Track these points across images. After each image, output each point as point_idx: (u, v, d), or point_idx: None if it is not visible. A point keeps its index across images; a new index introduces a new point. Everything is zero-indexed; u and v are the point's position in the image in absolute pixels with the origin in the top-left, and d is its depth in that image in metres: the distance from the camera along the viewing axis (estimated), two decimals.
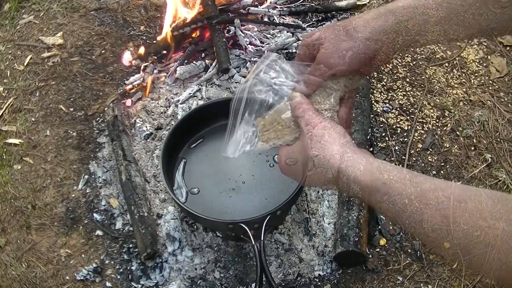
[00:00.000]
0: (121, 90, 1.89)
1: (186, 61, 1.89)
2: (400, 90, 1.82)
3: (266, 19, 2.01)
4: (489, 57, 1.90)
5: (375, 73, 1.83)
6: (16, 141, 1.79)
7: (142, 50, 1.91)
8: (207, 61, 1.87)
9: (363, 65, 0.77)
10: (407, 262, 1.41)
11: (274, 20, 2.01)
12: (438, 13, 0.70)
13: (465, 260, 0.57)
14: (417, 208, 0.59)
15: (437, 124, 1.71)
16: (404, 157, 1.62)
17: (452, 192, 0.58)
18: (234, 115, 0.91)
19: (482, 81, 1.83)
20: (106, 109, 1.81)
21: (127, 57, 1.95)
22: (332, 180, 0.70)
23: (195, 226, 1.48)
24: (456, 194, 0.58)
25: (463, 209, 0.56)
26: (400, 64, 1.90)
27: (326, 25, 0.79)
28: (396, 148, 1.65)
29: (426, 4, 0.71)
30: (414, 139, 1.68)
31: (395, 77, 1.86)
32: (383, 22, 0.72)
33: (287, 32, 1.95)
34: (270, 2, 2.09)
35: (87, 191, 1.64)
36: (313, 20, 2.10)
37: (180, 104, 1.77)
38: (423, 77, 1.85)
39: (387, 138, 1.68)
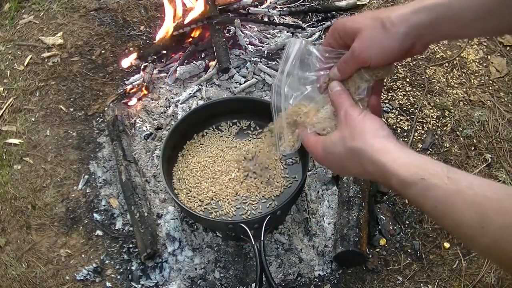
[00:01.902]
0: (121, 90, 1.90)
1: (186, 61, 1.89)
2: (400, 90, 1.82)
3: (266, 19, 2.01)
4: (489, 57, 1.90)
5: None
6: (16, 141, 1.79)
7: (141, 53, 1.92)
8: (207, 61, 1.87)
9: (398, 57, 0.77)
10: (407, 262, 1.41)
11: (274, 20, 2.01)
12: (475, 9, 0.70)
13: (497, 258, 0.58)
14: (453, 204, 0.60)
15: (437, 124, 1.71)
16: None
17: (488, 189, 0.59)
18: (277, 111, 0.91)
19: (482, 81, 1.83)
20: (106, 109, 1.81)
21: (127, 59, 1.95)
22: (370, 171, 0.70)
23: (195, 226, 1.48)
24: (492, 192, 0.58)
25: (497, 206, 0.57)
26: (400, 64, 1.90)
27: (361, 14, 0.78)
28: None
29: (462, 1, 0.71)
30: (414, 139, 1.68)
31: (395, 77, 1.86)
32: (421, 17, 0.72)
33: (287, 32, 1.95)
34: (270, 2, 2.09)
35: (87, 191, 1.64)
36: (313, 20, 2.10)
37: (180, 104, 1.77)
38: (423, 77, 1.85)
39: None
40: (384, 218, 1.48)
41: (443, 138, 1.67)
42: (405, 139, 1.68)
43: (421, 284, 1.37)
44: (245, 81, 1.80)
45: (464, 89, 1.81)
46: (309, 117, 0.85)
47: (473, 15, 0.70)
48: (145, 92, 1.83)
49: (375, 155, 0.69)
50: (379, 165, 0.68)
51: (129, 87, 1.88)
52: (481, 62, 1.89)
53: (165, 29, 1.92)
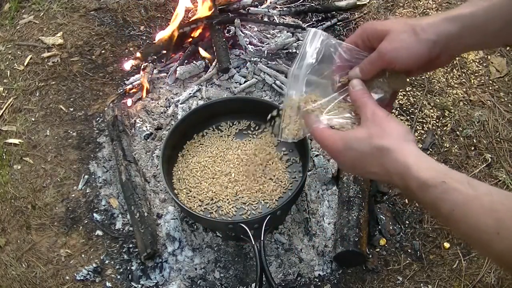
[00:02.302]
0: (121, 90, 1.90)
1: (186, 61, 1.89)
2: (400, 90, 1.82)
3: (266, 19, 2.01)
4: (489, 57, 1.90)
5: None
6: (16, 141, 1.79)
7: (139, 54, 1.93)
8: (206, 61, 1.87)
9: (422, 66, 0.78)
10: (407, 262, 1.41)
11: (274, 20, 2.01)
12: (501, 19, 0.71)
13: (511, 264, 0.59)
14: (471, 209, 0.61)
15: (437, 124, 1.71)
16: None
17: (506, 197, 0.60)
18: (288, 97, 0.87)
19: (482, 81, 1.83)
20: (106, 109, 1.81)
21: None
22: (390, 172, 0.70)
23: (195, 226, 1.48)
24: (510, 200, 0.60)
25: None
26: None
27: (391, 19, 0.79)
28: None
29: (488, 11, 0.72)
30: None
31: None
32: (450, 26, 0.74)
33: (287, 32, 1.94)
34: (270, 2, 2.09)
35: (87, 191, 1.64)
36: (313, 20, 2.10)
37: (180, 104, 1.77)
38: (423, 77, 1.85)
39: None
40: (384, 218, 1.48)
41: (443, 138, 1.67)
42: None
43: (421, 284, 1.37)
44: (245, 81, 1.80)
45: (464, 89, 1.81)
46: (320, 109, 0.83)
47: (500, 23, 0.71)
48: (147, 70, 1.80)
49: (400, 157, 0.69)
50: (403, 166, 0.68)
51: (129, 87, 1.88)
52: (481, 62, 1.89)
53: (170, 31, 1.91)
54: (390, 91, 0.83)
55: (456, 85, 1.82)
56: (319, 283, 1.38)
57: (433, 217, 0.60)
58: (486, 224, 0.59)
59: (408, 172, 0.67)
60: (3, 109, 1.90)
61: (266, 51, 1.84)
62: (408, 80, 0.84)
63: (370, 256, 1.42)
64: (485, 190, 0.62)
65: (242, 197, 1.38)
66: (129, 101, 1.82)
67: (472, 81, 1.83)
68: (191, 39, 1.94)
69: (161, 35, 1.93)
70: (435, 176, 0.65)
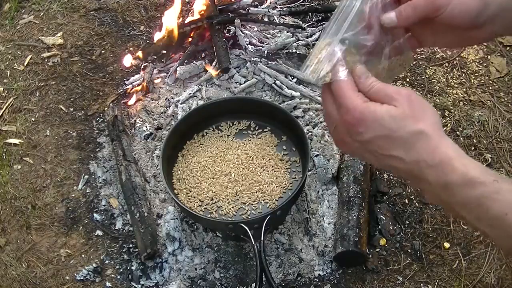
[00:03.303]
0: (121, 90, 1.90)
1: (186, 61, 1.89)
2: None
3: (266, 19, 2.01)
4: (489, 57, 1.90)
5: None
6: (16, 141, 1.79)
7: (140, 53, 1.92)
8: (207, 61, 1.87)
9: (464, 29, 0.70)
10: (407, 262, 1.41)
11: (274, 20, 2.01)
12: None
13: None
14: None
15: None
16: None
17: None
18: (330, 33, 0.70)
19: (482, 81, 1.83)
20: (106, 109, 1.81)
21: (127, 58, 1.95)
22: (422, 159, 0.61)
23: (195, 226, 1.48)
24: None
25: None
26: None
27: None
28: None
29: None
30: None
31: (395, 77, 1.86)
32: None
33: (287, 32, 1.94)
34: (270, 2, 2.09)
35: (87, 191, 1.64)
36: (313, 20, 2.10)
37: (180, 104, 1.77)
38: (423, 77, 1.85)
39: None
40: (384, 218, 1.48)
41: None
42: None
43: (421, 284, 1.37)
44: (245, 81, 1.79)
45: (464, 89, 1.81)
46: (351, 65, 0.70)
47: None
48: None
49: (440, 146, 0.61)
50: (444, 156, 0.60)
51: (129, 87, 1.88)
52: (481, 62, 1.89)
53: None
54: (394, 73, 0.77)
55: (456, 85, 1.82)
56: (319, 283, 1.38)
57: (468, 219, 0.50)
58: None
59: (450, 164, 0.59)
60: (3, 109, 1.90)
61: (266, 51, 1.84)
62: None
63: (370, 256, 1.42)
64: None
65: (242, 197, 1.38)
66: (129, 101, 1.82)
67: (472, 81, 1.83)
68: (191, 39, 1.94)
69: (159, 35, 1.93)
70: (484, 172, 0.58)
